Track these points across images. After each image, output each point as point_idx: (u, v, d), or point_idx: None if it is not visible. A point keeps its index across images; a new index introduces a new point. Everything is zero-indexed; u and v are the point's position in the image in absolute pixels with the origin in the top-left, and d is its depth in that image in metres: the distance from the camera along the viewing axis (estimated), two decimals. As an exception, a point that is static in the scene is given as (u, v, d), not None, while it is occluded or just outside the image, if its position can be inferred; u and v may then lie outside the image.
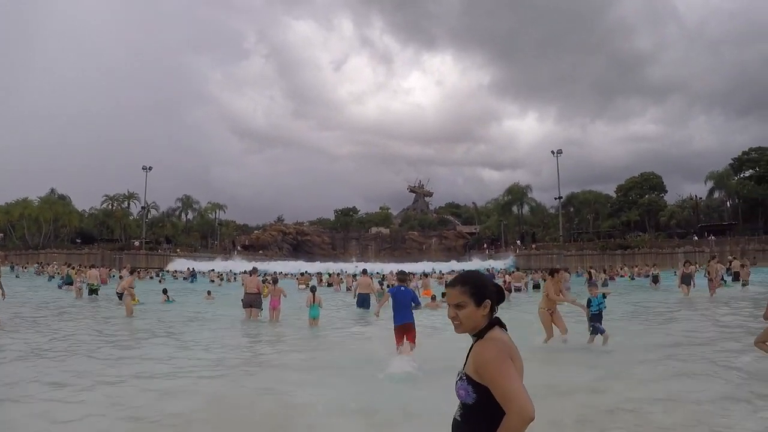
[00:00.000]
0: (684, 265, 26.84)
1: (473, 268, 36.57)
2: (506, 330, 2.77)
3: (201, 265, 72.25)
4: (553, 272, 13.89)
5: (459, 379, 2.67)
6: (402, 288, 11.76)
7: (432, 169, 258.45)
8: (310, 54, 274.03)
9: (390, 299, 11.72)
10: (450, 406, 2.65)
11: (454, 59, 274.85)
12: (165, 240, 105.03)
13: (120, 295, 24.66)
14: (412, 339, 10.93)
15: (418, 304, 11.81)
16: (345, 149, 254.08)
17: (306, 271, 56.15)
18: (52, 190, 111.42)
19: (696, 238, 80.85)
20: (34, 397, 7.66)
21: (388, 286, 27.23)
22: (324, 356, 11.82)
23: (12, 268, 60.09)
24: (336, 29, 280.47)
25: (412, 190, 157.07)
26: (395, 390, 8.29)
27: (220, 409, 7.29)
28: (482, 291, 2.75)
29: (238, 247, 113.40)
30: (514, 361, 2.59)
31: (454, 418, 2.69)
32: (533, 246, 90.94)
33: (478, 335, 2.74)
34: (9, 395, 7.73)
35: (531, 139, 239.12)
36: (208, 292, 30.45)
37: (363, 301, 22.42)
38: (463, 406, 2.65)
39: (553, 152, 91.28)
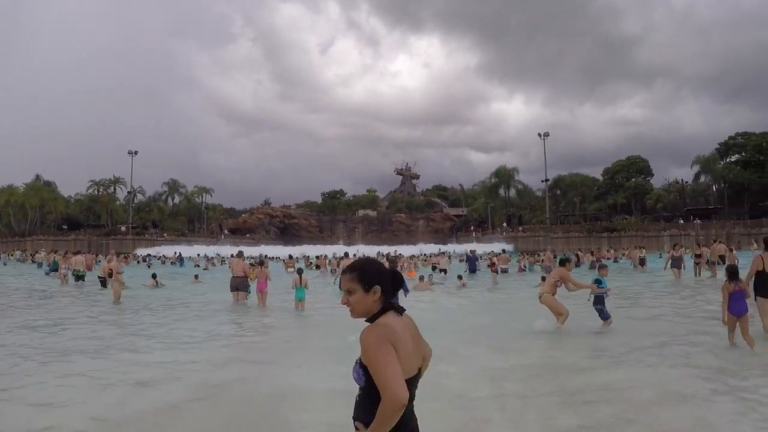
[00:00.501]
0: (674, 249, 27.03)
1: (472, 249, 36.60)
2: (401, 314, 2.85)
3: (188, 250, 71.85)
4: (564, 261, 13.34)
5: (355, 362, 2.74)
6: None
7: (419, 151, 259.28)
8: (297, 37, 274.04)
9: None
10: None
11: (441, 42, 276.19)
12: (152, 224, 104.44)
13: (102, 281, 24.56)
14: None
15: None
16: (332, 132, 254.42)
17: (292, 255, 55.89)
18: (38, 177, 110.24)
19: (682, 221, 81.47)
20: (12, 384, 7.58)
21: None
22: (309, 338, 11.90)
23: None
24: (323, 12, 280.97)
25: (399, 173, 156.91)
26: None
27: (202, 397, 7.13)
28: (371, 277, 2.82)
29: (225, 231, 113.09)
30: (398, 346, 2.65)
31: (355, 398, 2.79)
32: (520, 228, 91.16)
33: (370, 320, 2.80)
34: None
35: (519, 122, 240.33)
36: (196, 276, 30.51)
37: None
38: (360, 388, 2.74)
39: (540, 135, 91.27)
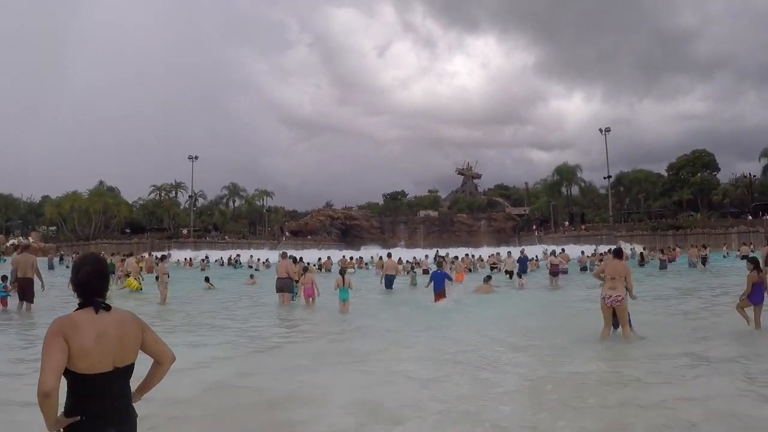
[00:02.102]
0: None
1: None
2: (99, 312, 3.05)
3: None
4: (619, 253, 11.74)
5: None
6: (439, 271, 19.93)
7: (480, 151, 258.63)
8: (353, 41, 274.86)
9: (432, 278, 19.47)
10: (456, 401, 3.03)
11: (498, 41, 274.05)
12: (213, 227, 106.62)
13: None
14: (442, 296, 18.53)
15: (450, 280, 20.03)
16: (392, 134, 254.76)
17: (352, 257, 56.67)
18: (101, 182, 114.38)
19: (750, 217, 79.07)
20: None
21: (423, 271, 32.13)
22: (343, 344, 11.88)
23: (61, 259, 61.65)
24: (377, 15, 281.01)
25: (460, 173, 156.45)
26: (406, 384, 7.98)
27: (213, 400, 7.23)
28: (72, 275, 3.17)
29: (287, 233, 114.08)
30: (72, 340, 2.89)
31: None
32: (582, 227, 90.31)
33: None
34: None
35: (578, 119, 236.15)
36: (251, 276, 31.63)
37: (389, 282, 24.89)
38: None
39: (601, 130, 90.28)
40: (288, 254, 21.17)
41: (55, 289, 26.71)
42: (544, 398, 7.13)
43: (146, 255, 33.83)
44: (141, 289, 24.56)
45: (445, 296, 18.61)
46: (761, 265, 12.62)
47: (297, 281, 19.67)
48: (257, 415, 6.61)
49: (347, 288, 17.13)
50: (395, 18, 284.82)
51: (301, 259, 22.16)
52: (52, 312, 16.80)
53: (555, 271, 27.07)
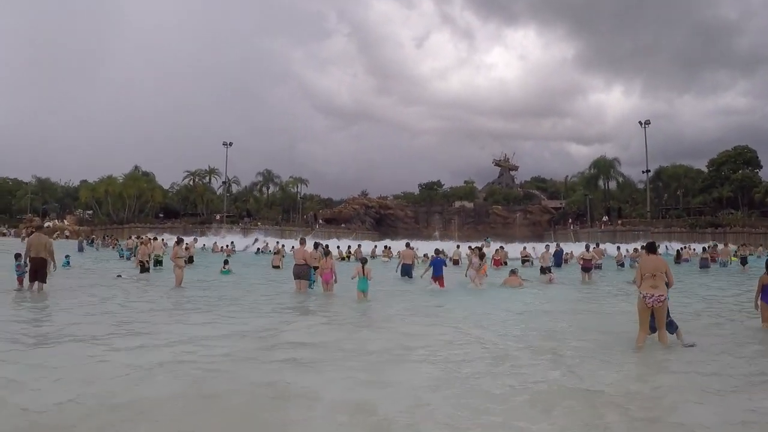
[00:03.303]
0: None
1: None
2: None
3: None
4: (652, 247, 10.83)
5: None
6: (438, 258, 22.10)
7: (517, 143, 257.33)
8: (390, 31, 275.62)
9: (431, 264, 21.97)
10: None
11: (537, 33, 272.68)
12: (246, 214, 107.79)
13: (142, 265, 25.62)
14: (442, 284, 20.91)
15: (445, 265, 22.29)
16: (429, 124, 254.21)
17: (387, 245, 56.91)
18: (136, 167, 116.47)
19: (793, 217, 77.65)
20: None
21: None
22: (354, 339, 10.98)
23: (91, 242, 62.76)
24: (416, 6, 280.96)
25: (497, 164, 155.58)
26: (406, 388, 7.25)
27: (197, 396, 6.78)
28: None
29: (320, 221, 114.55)
30: None
31: None
32: (619, 222, 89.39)
33: None
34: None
35: (617, 113, 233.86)
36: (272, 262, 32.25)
37: (406, 271, 25.68)
38: None
39: (640, 123, 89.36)
40: (306, 240, 20.95)
41: (78, 270, 27.50)
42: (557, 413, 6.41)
43: (153, 238, 34.19)
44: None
45: (443, 282, 21.07)
46: None
47: (315, 268, 19.30)
48: (239, 414, 6.21)
49: (366, 278, 16.99)
50: (433, 9, 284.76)
51: (327, 246, 22.45)
52: (65, 293, 17.30)
53: (587, 267, 26.22)
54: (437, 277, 21.13)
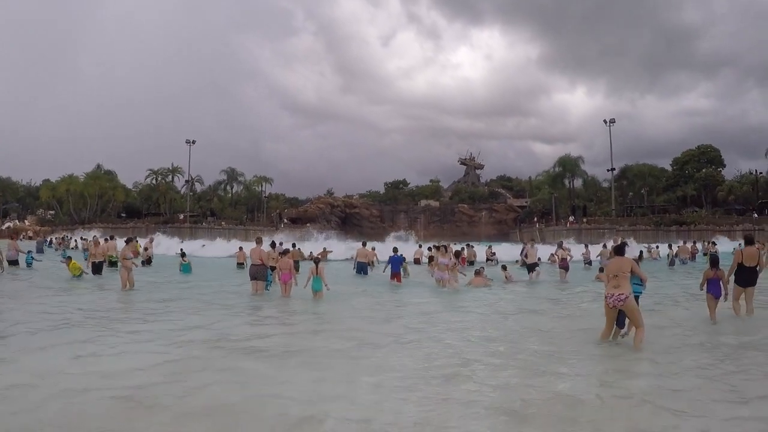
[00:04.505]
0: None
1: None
2: None
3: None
4: (620, 249, 10.51)
5: None
6: (395, 255, 23.39)
7: (482, 142, 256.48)
8: (357, 30, 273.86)
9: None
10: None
11: (502, 33, 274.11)
12: (210, 213, 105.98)
13: (96, 266, 24.29)
14: (399, 279, 22.82)
15: (402, 263, 24.02)
16: (395, 123, 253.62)
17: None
18: (99, 166, 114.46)
19: (756, 215, 78.08)
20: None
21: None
22: (309, 337, 11.03)
23: (50, 243, 59.85)
24: (382, 5, 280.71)
25: (462, 162, 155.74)
26: (360, 397, 6.78)
27: (129, 412, 6.19)
28: None
29: (285, 220, 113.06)
30: None
31: None
32: (584, 220, 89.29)
33: None
34: None
35: (582, 113, 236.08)
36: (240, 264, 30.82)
37: (361, 269, 26.55)
38: None
39: (605, 121, 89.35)
40: (263, 239, 19.88)
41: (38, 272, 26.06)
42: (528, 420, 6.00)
43: (93, 239, 32.56)
44: (81, 275, 23.08)
45: (400, 278, 23.04)
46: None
47: (272, 269, 18.82)
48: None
49: (320, 277, 16.71)
50: (400, 9, 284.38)
51: (294, 245, 22.50)
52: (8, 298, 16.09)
53: (565, 266, 25.03)
54: (395, 273, 22.86)
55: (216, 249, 53.02)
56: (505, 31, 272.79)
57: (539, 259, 26.32)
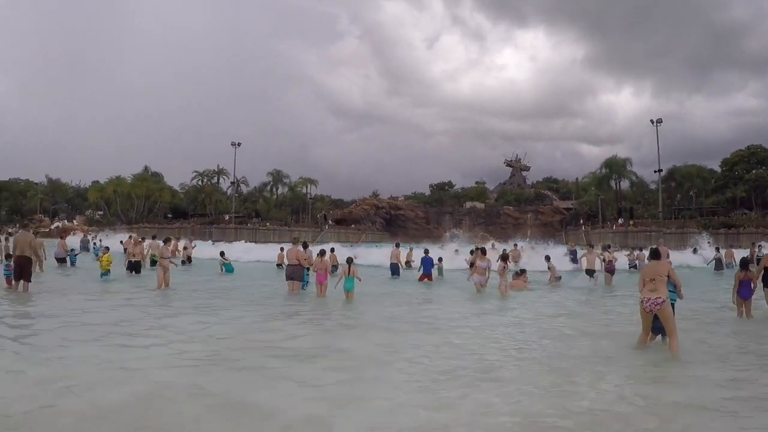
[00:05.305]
0: None
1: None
2: None
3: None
4: (656, 253, 10.80)
5: None
6: (427, 257, 24.91)
7: (528, 144, 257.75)
8: (402, 33, 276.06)
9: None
10: None
11: (546, 35, 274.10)
12: (255, 214, 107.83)
13: (134, 265, 24.79)
14: (430, 278, 24.36)
15: (434, 265, 25.10)
16: (440, 125, 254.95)
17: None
18: (146, 168, 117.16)
19: (808, 217, 76.45)
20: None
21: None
22: (338, 338, 11.13)
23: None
24: (427, 8, 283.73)
25: (508, 164, 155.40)
26: (377, 404, 6.75)
27: (151, 408, 6.35)
28: None
29: (330, 221, 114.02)
30: None
31: None
32: (631, 222, 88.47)
33: None
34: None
35: (628, 114, 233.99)
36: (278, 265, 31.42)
37: (394, 270, 27.39)
38: None
39: (652, 121, 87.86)
40: (299, 240, 20.96)
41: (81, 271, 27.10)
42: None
43: (132, 238, 33.47)
44: (108, 273, 23.03)
45: (431, 278, 24.58)
46: None
47: (308, 269, 19.27)
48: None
49: (353, 277, 16.95)
50: (444, 11, 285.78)
51: (332, 250, 23.66)
52: (50, 294, 16.65)
53: (611, 269, 24.21)
54: (426, 274, 24.50)
55: (260, 252, 53.60)
56: (550, 32, 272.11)
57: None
